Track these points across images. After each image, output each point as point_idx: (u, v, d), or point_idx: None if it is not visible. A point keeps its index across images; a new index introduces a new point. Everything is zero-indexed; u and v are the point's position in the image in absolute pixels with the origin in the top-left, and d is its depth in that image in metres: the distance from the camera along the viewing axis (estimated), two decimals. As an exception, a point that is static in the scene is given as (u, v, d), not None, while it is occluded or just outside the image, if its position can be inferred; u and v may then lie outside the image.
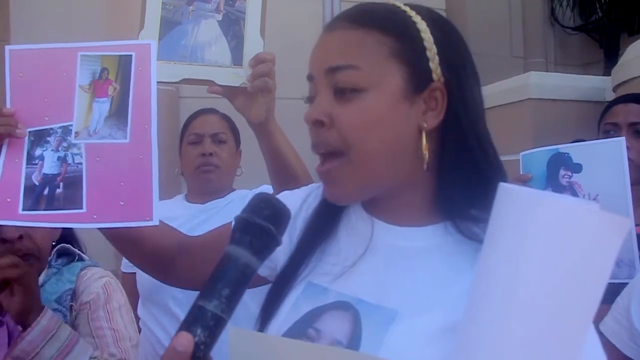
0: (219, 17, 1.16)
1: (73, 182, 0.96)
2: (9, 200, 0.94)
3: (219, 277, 0.63)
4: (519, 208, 0.56)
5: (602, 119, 1.72)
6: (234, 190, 1.90)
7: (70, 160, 0.97)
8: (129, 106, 0.99)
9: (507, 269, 0.56)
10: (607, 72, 3.77)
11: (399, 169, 0.73)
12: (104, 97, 0.99)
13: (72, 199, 0.95)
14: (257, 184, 1.73)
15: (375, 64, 0.71)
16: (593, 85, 3.43)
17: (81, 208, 0.95)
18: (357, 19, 0.74)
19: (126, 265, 1.93)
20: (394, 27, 0.72)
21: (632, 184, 1.61)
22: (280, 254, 0.81)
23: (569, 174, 1.35)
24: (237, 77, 1.13)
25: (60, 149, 0.98)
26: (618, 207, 1.28)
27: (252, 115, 1.16)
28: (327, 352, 0.61)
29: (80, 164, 0.97)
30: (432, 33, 0.72)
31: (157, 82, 1.11)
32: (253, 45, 1.15)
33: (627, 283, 1.27)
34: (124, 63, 1.00)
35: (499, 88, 3.50)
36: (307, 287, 0.77)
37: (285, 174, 1.22)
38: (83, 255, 1.43)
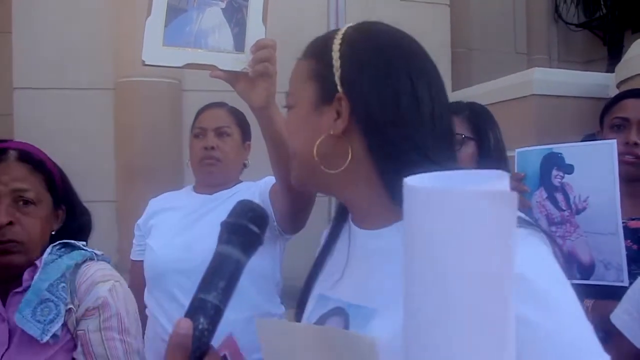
0: (223, 4, 1.18)
1: None
2: None
3: (215, 273, 0.73)
4: (418, 204, 0.59)
5: (607, 113, 1.70)
6: (241, 182, 1.94)
7: None
8: None
9: (422, 262, 0.59)
10: (610, 70, 3.76)
11: (319, 168, 0.83)
12: None
13: None
14: (265, 176, 1.76)
15: (298, 86, 0.87)
16: (596, 81, 3.43)
17: None
18: (304, 50, 0.89)
19: (135, 253, 1.96)
20: (317, 51, 0.86)
21: (636, 180, 1.61)
22: None
23: (561, 174, 1.34)
24: (239, 62, 1.16)
25: None
26: (607, 210, 1.28)
27: (253, 100, 1.19)
28: (327, 332, 0.75)
29: None
30: (341, 49, 0.82)
31: (162, 68, 1.14)
32: (255, 31, 1.17)
33: (616, 286, 1.28)
34: None
35: (502, 84, 3.50)
36: (319, 299, 0.88)
37: (286, 160, 1.23)
38: (87, 248, 1.36)
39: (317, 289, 0.90)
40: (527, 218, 0.74)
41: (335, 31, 0.86)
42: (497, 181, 0.55)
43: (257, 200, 1.76)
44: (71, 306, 1.24)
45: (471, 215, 0.54)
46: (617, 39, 5.25)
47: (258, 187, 1.78)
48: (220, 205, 1.82)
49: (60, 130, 3.23)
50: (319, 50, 0.85)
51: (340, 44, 0.82)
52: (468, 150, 1.64)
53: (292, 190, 1.36)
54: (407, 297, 0.60)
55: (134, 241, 1.97)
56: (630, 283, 1.43)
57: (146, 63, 1.13)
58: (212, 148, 1.83)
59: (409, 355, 0.60)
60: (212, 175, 1.86)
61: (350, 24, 0.87)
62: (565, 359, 0.63)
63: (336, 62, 0.81)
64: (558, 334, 0.64)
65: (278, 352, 0.78)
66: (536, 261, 0.68)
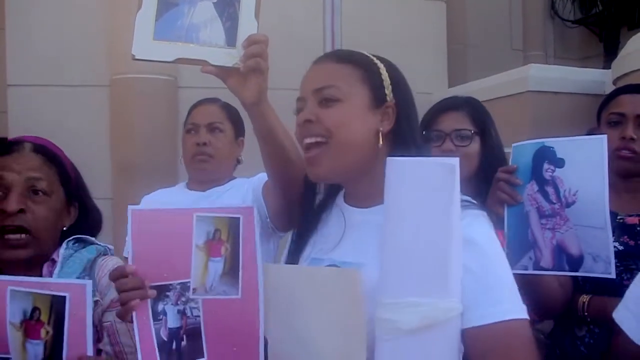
0: None
1: (193, 334, 1.10)
2: None
3: None
4: (393, 171, 0.91)
5: (604, 108, 1.69)
6: (234, 178, 1.92)
7: (189, 314, 1.10)
8: (239, 265, 1.11)
9: (394, 214, 0.92)
10: (606, 66, 3.75)
11: (363, 156, 1.07)
12: (218, 257, 1.11)
13: (195, 349, 1.10)
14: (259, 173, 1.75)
15: (349, 85, 1.07)
16: (592, 78, 3.42)
17: (203, 357, 1.10)
18: (340, 57, 1.13)
19: (127, 251, 1.95)
20: (364, 63, 1.10)
21: (633, 176, 1.60)
22: None
23: (552, 168, 1.35)
24: (230, 57, 1.15)
25: (179, 303, 1.10)
26: (596, 204, 1.29)
27: (244, 96, 1.18)
28: (317, 271, 1.01)
29: (198, 316, 1.11)
30: (387, 72, 1.10)
31: (154, 62, 1.13)
32: (247, 26, 1.16)
33: (603, 278, 1.28)
34: (234, 225, 1.11)
35: (499, 80, 3.50)
36: (312, 262, 1.09)
37: (278, 157, 1.22)
38: (100, 243, 1.40)
39: (307, 252, 1.11)
40: (476, 203, 1.05)
41: (364, 53, 1.13)
42: (449, 160, 0.90)
43: (249, 198, 1.76)
44: (98, 299, 1.26)
45: (423, 176, 0.87)
46: (613, 35, 5.25)
47: (251, 184, 1.77)
48: (214, 203, 1.81)
49: (56, 128, 3.20)
50: (364, 63, 1.10)
51: (384, 66, 1.11)
52: (475, 145, 1.64)
53: (285, 187, 1.35)
54: (384, 235, 0.90)
55: (126, 238, 1.96)
56: (628, 278, 1.43)
57: (136, 57, 1.12)
58: (204, 144, 1.83)
59: (383, 278, 0.86)
60: (204, 171, 1.86)
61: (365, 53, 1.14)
62: (490, 296, 0.94)
63: (386, 80, 1.09)
64: (489, 279, 0.95)
65: (278, 293, 0.93)
66: (484, 233, 1.00)
